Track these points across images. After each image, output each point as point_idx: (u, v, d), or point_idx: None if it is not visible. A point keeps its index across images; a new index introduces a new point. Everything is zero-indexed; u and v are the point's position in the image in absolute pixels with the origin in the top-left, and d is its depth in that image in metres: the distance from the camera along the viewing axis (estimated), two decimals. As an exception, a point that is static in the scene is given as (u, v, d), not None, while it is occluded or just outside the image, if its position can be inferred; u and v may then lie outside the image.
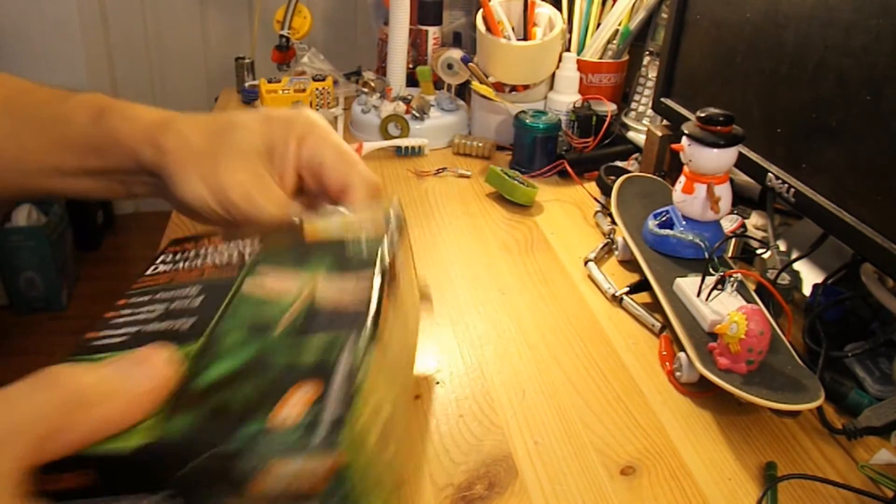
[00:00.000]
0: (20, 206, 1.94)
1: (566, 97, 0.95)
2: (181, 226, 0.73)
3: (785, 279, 0.62)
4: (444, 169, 0.91)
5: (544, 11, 0.97)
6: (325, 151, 0.44)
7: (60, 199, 2.05)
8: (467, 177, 0.90)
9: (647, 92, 0.96)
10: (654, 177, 0.78)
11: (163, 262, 0.41)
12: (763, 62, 0.64)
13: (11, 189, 0.46)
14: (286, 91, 1.01)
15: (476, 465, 0.46)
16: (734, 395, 0.48)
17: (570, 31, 1.00)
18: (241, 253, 0.38)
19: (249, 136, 0.43)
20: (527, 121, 0.89)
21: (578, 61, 0.96)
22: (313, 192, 0.46)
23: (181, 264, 0.40)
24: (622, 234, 0.69)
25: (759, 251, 0.69)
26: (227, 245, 0.41)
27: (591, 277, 0.68)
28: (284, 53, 1.16)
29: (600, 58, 0.99)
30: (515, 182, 0.81)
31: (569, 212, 0.82)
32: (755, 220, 0.73)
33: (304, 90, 1.01)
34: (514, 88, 0.97)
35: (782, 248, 0.67)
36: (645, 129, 0.89)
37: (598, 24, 0.99)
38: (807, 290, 0.64)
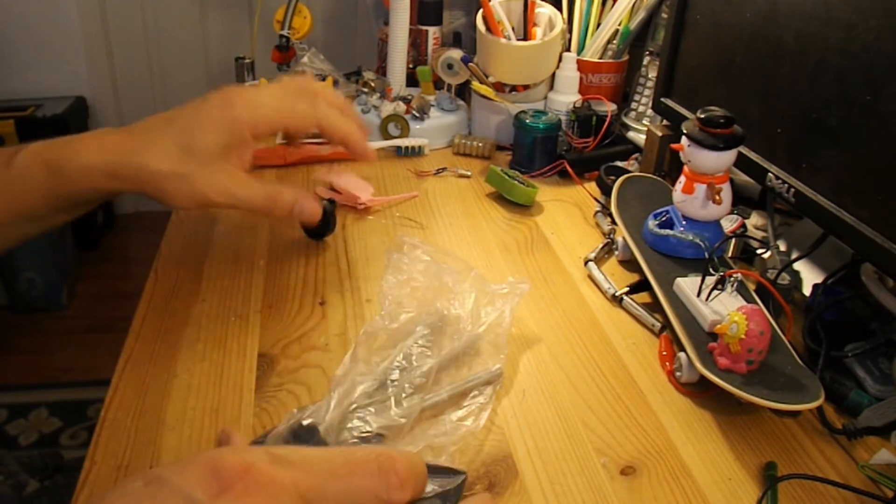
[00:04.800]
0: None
1: (566, 97, 0.95)
2: (181, 226, 0.74)
3: (785, 279, 0.62)
4: (444, 169, 0.91)
5: (544, 11, 0.97)
6: (275, 125, 0.57)
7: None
8: (467, 177, 0.90)
9: (647, 92, 0.96)
10: (654, 177, 0.78)
11: None
12: (763, 62, 0.64)
13: None
14: (286, 91, 1.00)
15: (476, 465, 0.46)
16: (734, 395, 0.48)
17: (570, 31, 1.00)
18: None
19: (207, 140, 0.52)
20: (527, 121, 0.89)
21: (578, 61, 0.96)
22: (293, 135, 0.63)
23: None
24: (622, 234, 0.69)
25: (759, 251, 0.69)
26: None
27: (591, 277, 0.68)
28: (284, 53, 1.16)
29: (600, 58, 0.99)
30: (515, 182, 0.81)
31: (569, 212, 0.82)
32: (755, 220, 0.73)
33: (304, 90, 1.01)
34: (514, 88, 0.97)
35: (782, 248, 0.67)
36: (645, 129, 0.89)
37: (598, 24, 0.99)
38: (807, 290, 0.64)
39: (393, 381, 0.48)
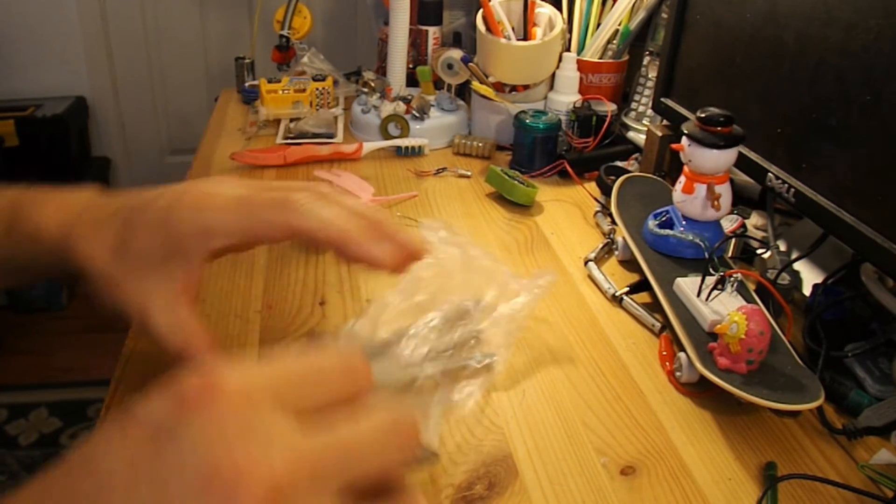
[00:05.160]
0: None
1: (566, 97, 0.95)
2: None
3: (785, 279, 0.62)
4: (444, 169, 0.91)
5: (544, 11, 0.97)
6: (232, 237, 0.42)
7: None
8: (467, 177, 0.90)
9: (647, 92, 0.96)
10: (654, 177, 0.78)
11: None
12: (763, 62, 0.64)
13: None
14: (286, 91, 1.01)
15: (476, 465, 0.46)
16: (734, 395, 0.48)
17: (570, 31, 1.00)
18: None
19: (140, 244, 0.42)
20: (527, 121, 0.89)
21: (578, 61, 0.96)
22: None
23: None
24: (622, 234, 0.69)
25: (759, 251, 0.69)
26: None
27: (591, 277, 0.68)
28: (284, 53, 1.16)
29: (600, 58, 0.99)
30: (515, 182, 0.81)
31: (569, 212, 0.82)
32: (755, 220, 0.73)
33: (304, 90, 1.01)
34: (514, 88, 0.97)
35: (782, 248, 0.67)
36: (645, 129, 0.89)
37: (598, 24, 0.99)
38: (807, 290, 0.64)
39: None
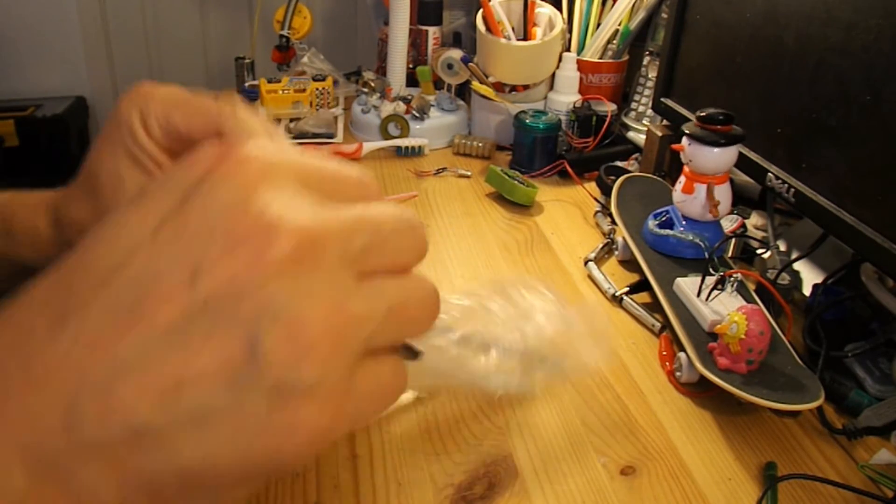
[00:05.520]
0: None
1: (566, 97, 0.95)
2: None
3: (785, 279, 0.62)
4: (444, 169, 0.91)
5: (544, 11, 0.97)
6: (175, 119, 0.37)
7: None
8: (467, 177, 0.90)
9: (647, 92, 0.96)
10: (654, 177, 0.78)
11: None
12: (763, 62, 0.64)
13: None
14: (286, 91, 1.00)
15: (476, 465, 0.46)
16: (734, 395, 0.48)
17: (570, 31, 1.00)
18: None
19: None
20: (527, 121, 0.89)
21: (578, 61, 0.96)
22: None
23: None
24: (622, 234, 0.69)
25: (759, 251, 0.69)
26: None
27: (591, 277, 0.68)
28: (284, 53, 1.16)
29: (600, 58, 0.99)
30: (515, 182, 0.81)
31: (569, 212, 0.82)
32: (755, 220, 0.73)
33: (304, 90, 1.01)
34: (514, 88, 0.97)
35: (782, 248, 0.67)
36: (645, 129, 0.88)
37: (598, 24, 0.99)
38: (807, 290, 0.64)
39: None
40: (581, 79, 0.96)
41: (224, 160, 0.20)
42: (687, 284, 0.58)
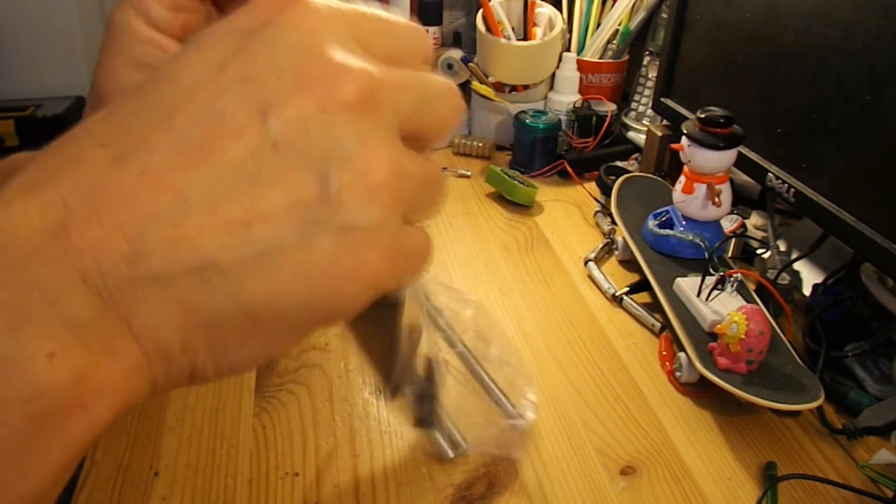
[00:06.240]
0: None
1: (566, 97, 0.95)
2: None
3: (785, 279, 0.62)
4: (444, 169, 0.91)
5: (544, 11, 0.97)
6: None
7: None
8: (467, 177, 0.90)
9: (647, 92, 0.96)
10: (654, 177, 0.78)
11: None
12: (763, 62, 0.64)
13: None
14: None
15: (476, 465, 0.46)
16: (734, 395, 0.48)
17: (570, 31, 1.00)
18: None
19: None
20: (527, 121, 0.89)
21: (578, 61, 0.96)
22: None
23: None
24: (622, 234, 0.69)
25: (759, 251, 0.69)
26: None
27: (591, 277, 0.68)
28: (284, 53, 1.16)
29: (600, 58, 0.99)
30: (515, 182, 0.81)
31: (569, 212, 0.82)
32: (755, 220, 0.73)
33: (304, 90, 1.01)
34: (514, 88, 0.97)
35: (782, 248, 0.67)
36: (645, 129, 0.88)
37: (598, 24, 0.99)
38: (807, 290, 0.64)
39: None
40: (581, 79, 0.96)
41: (288, 7, 0.20)
42: (687, 284, 0.58)
